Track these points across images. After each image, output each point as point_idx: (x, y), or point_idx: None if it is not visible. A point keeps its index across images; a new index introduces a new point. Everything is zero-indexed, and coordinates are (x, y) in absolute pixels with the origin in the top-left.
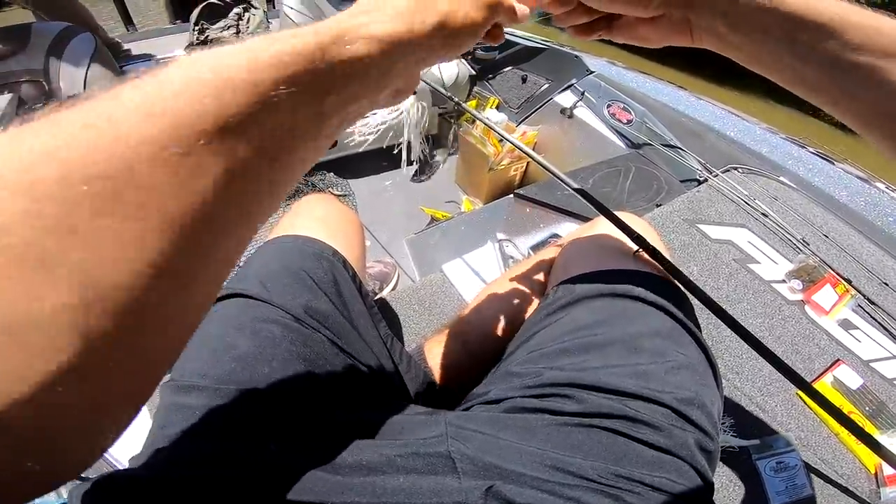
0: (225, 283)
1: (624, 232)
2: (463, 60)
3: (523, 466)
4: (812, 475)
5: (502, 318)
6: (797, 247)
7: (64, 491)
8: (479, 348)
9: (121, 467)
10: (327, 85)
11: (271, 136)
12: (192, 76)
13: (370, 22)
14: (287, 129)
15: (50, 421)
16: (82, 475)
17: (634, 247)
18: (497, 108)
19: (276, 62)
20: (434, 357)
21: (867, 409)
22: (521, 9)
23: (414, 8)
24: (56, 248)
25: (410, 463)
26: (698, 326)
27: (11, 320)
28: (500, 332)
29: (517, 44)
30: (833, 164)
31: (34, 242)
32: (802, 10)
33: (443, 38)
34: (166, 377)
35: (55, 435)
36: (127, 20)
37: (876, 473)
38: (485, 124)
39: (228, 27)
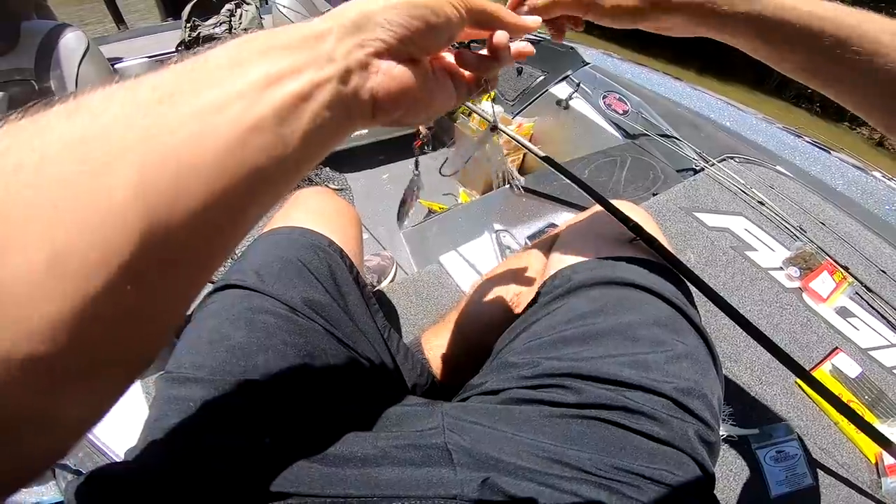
0: (220, 274)
1: (619, 220)
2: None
3: (520, 458)
4: (812, 465)
5: (500, 308)
6: (794, 234)
7: (62, 483)
8: (477, 339)
9: (117, 459)
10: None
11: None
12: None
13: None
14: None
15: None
16: (79, 469)
17: (631, 235)
18: (493, 100)
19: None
20: (431, 348)
21: (866, 397)
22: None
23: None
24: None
25: (406, 455)
26: (697, 314)
27: None
28: (497, 322)
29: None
30: (829, 153)
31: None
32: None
33: (405, 17)
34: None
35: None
36: (118, 18)
37: (876, 463)
38: (480, 116)
39: (220, 23)
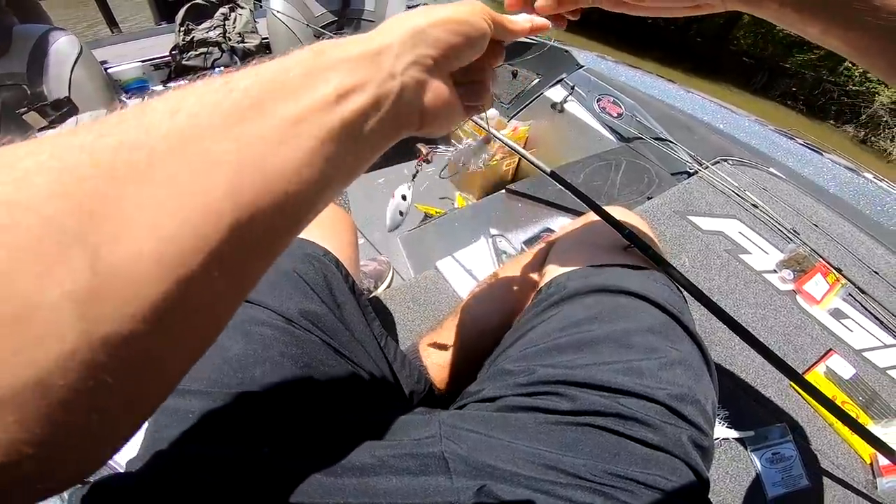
0: None
1: (614, 227)
2: None
3: (516, 465)
4: (808, 466)
5: (496, 314)
6: (787, 237)
7: (66, 493)
8: (474, 345)
9: (119, 470)
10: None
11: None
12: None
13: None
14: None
15: (49, 420)
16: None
17: (626, 242)
18: None
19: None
20: (428, 355)
21: (860, 398)
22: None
23: (404, 15)
24: (78, 225)
25: (403, 464)
26: (692, 320)
27: (27, 300)
28: (493, 328)
29: None
30: (822, 154)
31: (58, 219)
32: None
33: (442, 38)
34: None
35: (52, 434)
36: (111, 22)
37: (872, 464)
38: (474, 122)
39: (214, 27)
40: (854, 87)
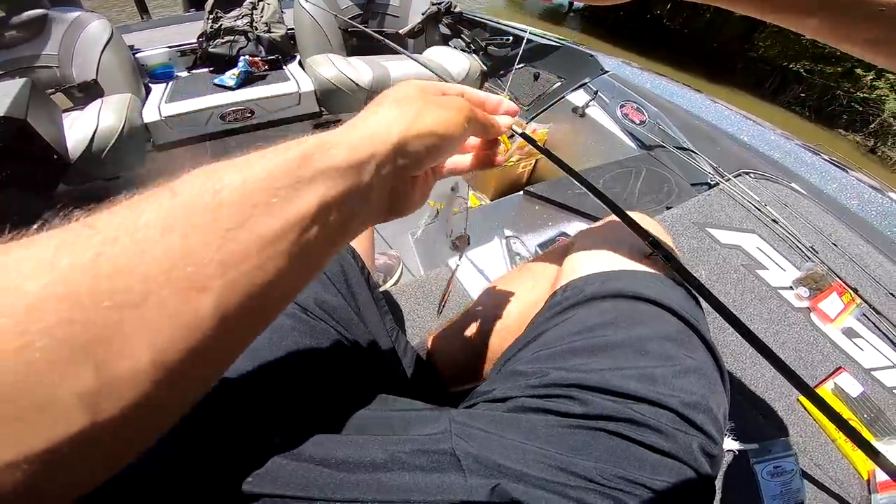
0: None
1: (638, 234)
2: (474, 56)
3: (526, 466)
4: (807, 480)
5: (508, 315)
6: (806, 254)
7: None
8: (484, 345)
9: None
10: (312, 189)
11: (266, 240)
12: (199, 192)
13: (349, 131)
14: (281, 231)
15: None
16: None
17: (647, 248)
18: None
19: (270, 174)
20: (438, 352)
21: (865, 416)
22: (505, 119)
23: (391, 115)
24: (81, 346)
25: (415, 460)
26: (708, 329)
27: (41, 399)
28: (505, 329)
29: (531, 41)
30: (846, 171)
31: (67, 340)
32: None
33: (421, 144)
34: None
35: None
36: (142, 9)
37: (868, 480)
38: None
39: (243, 16)
40: (863, 95)
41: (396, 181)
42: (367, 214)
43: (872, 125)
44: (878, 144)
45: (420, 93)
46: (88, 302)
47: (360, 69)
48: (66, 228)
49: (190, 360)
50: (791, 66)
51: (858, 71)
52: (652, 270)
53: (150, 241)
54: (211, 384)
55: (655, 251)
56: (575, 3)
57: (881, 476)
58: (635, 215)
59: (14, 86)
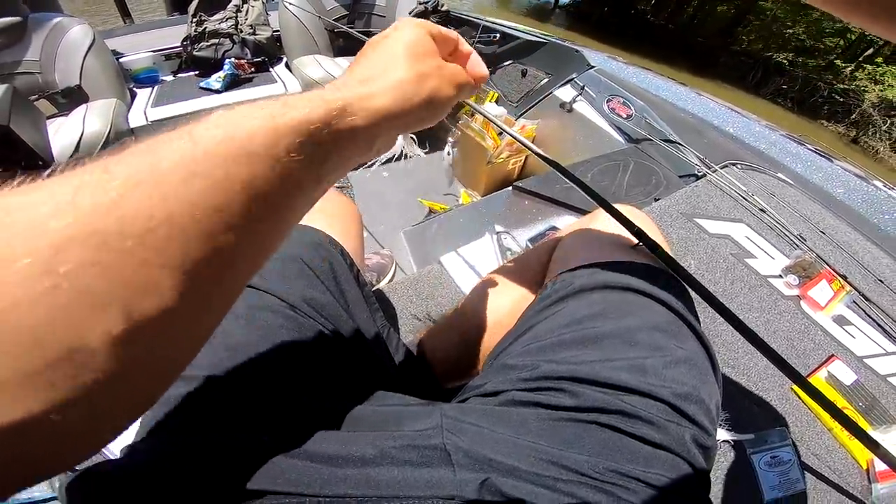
0: None
1: (624, 225)
2: None
3: (518, 460)
4: (805, 470)
5: (500, 309)
6: (794, 242)
7: (55, 481)
8: (476, 340)
9: (110, 456)
10: (330, 150)
11: (282, 197)
12: (223, 140)
13: (372, 94)
14: (293, 190)
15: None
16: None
17: (634, 240)
18: (496, 101)
19: (291, 130)
20: (431, 348)
21: (860, 404)
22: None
23: (410, 82)
24: (107, 289)
25: (405, 455)
26: (698, 320)
27: (70, 344)
28: (497, 324)
29: (517, 38)
30: (831, 161)
31: (94, 282)
32: None
33: (426, 111)
34: None
35: (66, 422)
36: (124, 12)
37: (868, 469)
38: (485, 117)
39: (227, 19)
40: (843, 86)
41: (394, 135)
42: (357, 163)
43: (854, 115)
44: (860, 134)
45: (431, 57)
46: (113, 243)
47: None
48: (83, 169)
49: (211, 294)
50: (774, 57)
51: (838, 62)
52: (640, 261)
53: (173, 185)
54: (224, 314)
55: (641, 242)
56: None
57: (880, 465)
58: (622, 208)
59: None
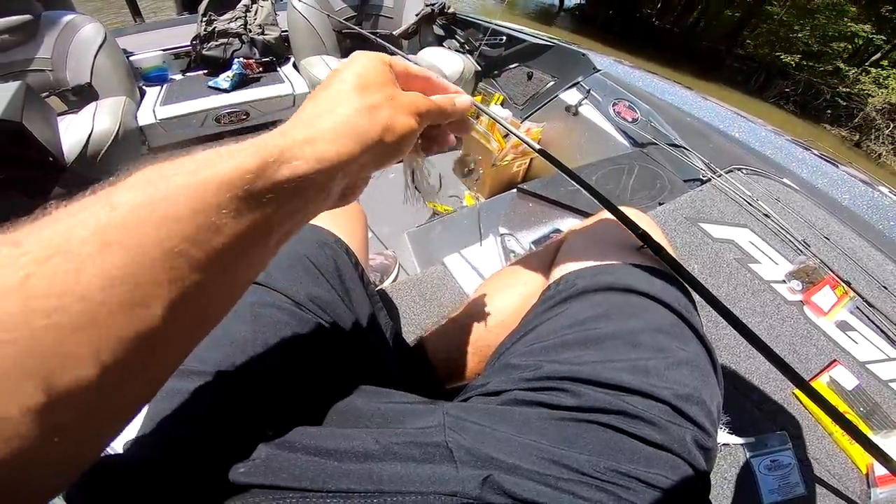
0: None
1: (628, 227)
2: (469, 56)
3: (520, 459)
4: (804, 474)
5: (503, 311)
6: (798, 248)
7: None
8: (479, 340)
9: (110, 451)
10: (272, 203)
11: (218, 260)
12: (141, 204)
13: (315, 137)
14: (231, 250)
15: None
16: None
17: (638, 242)
18: (502, 104)
19: (220, 186)
20: (433, 349)
21: (861, 409)
22: (462, 100)
23: (359, 117)
24: (21, 364)
25: (408, 451)
26: (700, 322)
27: None
28: (499, 324)
29: (524, 41)
30: (837, 166)
31: (7, 359)
32: None
33: (385, 146)
34: None
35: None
36: (135, 11)
37: (867, 474)
38: (492, 118)
39: (236, 18)
40: (846, 90)
41: (352, 182)
42: (315, 213)
43: (857, 119)
44: (863, 139)
45: (384, 87)
46: (21, 322)
47: None
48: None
49: (139, 366)
50: (781, 58)
51: (842, 66)
52: (644, 264)
53: (87, 259)
54: (162, 382)
55: (645, 245)
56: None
57: (880, 470)
58: (627, 210)
59: (8, 89)
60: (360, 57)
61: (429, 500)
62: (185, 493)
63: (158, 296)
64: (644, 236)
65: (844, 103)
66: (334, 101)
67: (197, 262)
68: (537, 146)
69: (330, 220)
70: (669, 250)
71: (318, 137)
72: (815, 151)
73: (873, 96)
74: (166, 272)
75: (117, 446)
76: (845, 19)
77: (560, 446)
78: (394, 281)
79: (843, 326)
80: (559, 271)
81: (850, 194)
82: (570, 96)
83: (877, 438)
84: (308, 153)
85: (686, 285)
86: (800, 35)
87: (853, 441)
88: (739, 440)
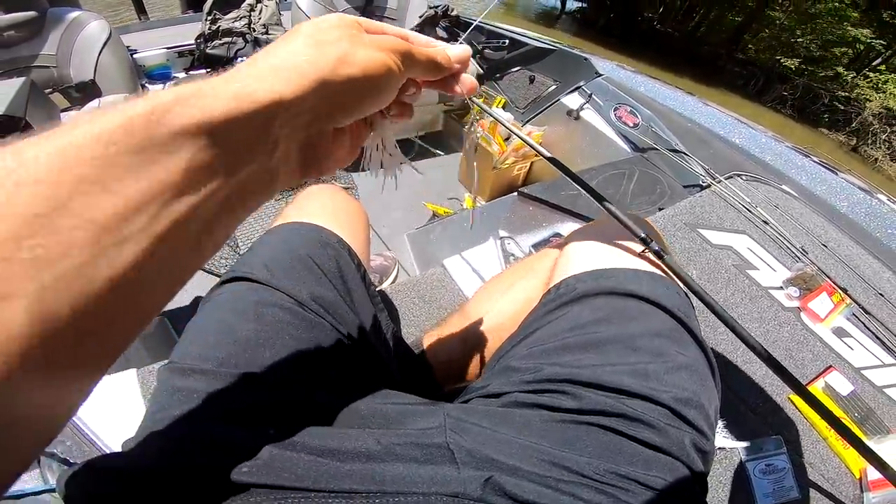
0: (230, 268)
1: (630, 231)
2: (471, 59)
3: (520, 461)
4: (799, 478)
5: (502, 313)
6: (796, 255)
7: (51, 477)
8: (479, 343)
9: (106, 448)
10: (175, 151)
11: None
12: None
13: (234, 77)
14: (135, 208)
15: None
16: (66, 458)
17: (638, 247)
18: (503, 107)
19: (97, 137)
20: (433, 349)
21: (856, 414)
22: (457, 50)
23: (299, 54)
24: None
25: (409, 452)
26: (698, 326)
27: None
28: (499, 327)
29: (526, 44)
30: (836, 174)
31: None
32: None
33: (337, 88)
34: (165, 361)
35: None
36: (140, 9)
37: (860, 478)
38: (497, 120)
39: (241, 18)
40: (844, 94)
41: (312, 136)
42: (270, 179)
43: (854, 124)
44: (860, 143)
45: (344, 28)
46: None
47: None
48: None
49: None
50: (781, 62)
51: (841, 70)
52: (644, 268)
53: None
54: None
55: (647, 249)
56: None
57: (873, 474)
58: (627, 215)
59: (13, 84)
60: (315, 19)
61: (430, 500)
62: (187, 493)
63: (24, 279)
64: (646, 241)
65: (842, 107)
66: (282, 42)
67: (73, 233)
68: (548, 153)
69: (331, 220)
70: (670, 254)
71: (245, 74)
72: (815, 158)
73: (871, 101)
74: (31, 247)
75: (116, 445)
76: (846, 24)
77: (560, 448)
78: (393, 282)
79: (840, 333)
80: (560, 275)
81: (849, 201)
82: (572, 100)
83: (871, 443)
84: (225, 91)
85: (686, 291)
86: (801, 40)
87: (847, 446)
88: (735, 444)
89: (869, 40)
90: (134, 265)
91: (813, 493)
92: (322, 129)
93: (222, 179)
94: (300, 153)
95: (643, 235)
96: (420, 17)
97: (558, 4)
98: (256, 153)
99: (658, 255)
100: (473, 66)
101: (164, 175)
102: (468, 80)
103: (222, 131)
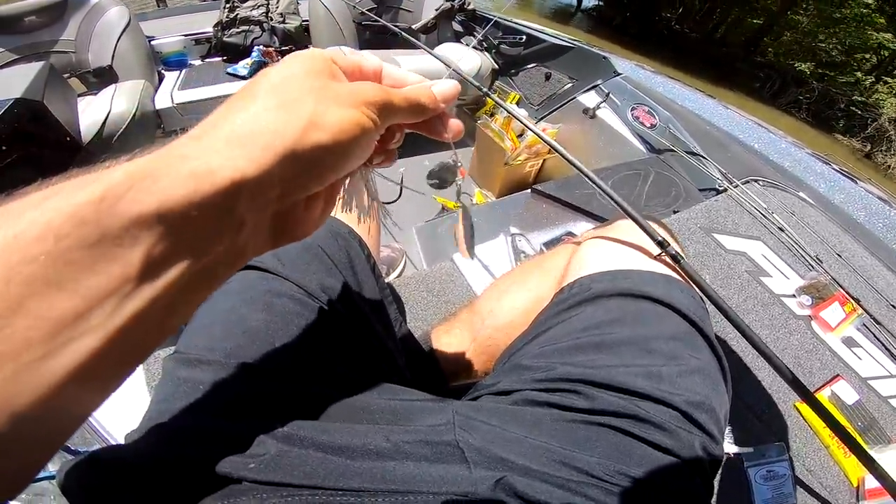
0: None
1: (647, 234)
2: (486, 53)
3: (531, 460)
4: (798, 485)
5: (514, 311)
6: (810, 264)
7: (51, 466)
8: (487, 339)
9: (109, 437)
10: (132, 243)
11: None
12: None
13: (188, 155)
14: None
15: None
16: (73, 449)
17: (655, 249)
18: (517, 103)
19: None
20: (441, 344)
21: (860, 424)
22: (443, 87)
23: (262, 121)
24: None
25: (419, 450)
26: (712, 330)
27: None
28: (510, 324)
29: (543, 41)
30: (855, 182)
31: None
32: None
33: (308, 155)
34: (170, 349)
35: None
36: None
37: (857, 487)
38: (514, 116)
39: (259, 6)
40: (861, 99)
41: (283, 208)
42: (238, 255)
43: (869, 129)
44: (874, 150)
45: (312, 78)
46: None
47: None
48: None
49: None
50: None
51: (859, 75)
52: (659, 271)
53: None
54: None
55: (664, 252)
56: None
57: (870, 483)
58: (645, 217)
59: (32, 68)
60: (297, 54)
61: (440, 500)
62: (190, 486)
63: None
64: (663, 244)
65: (859, 113)
66: (241, 102)
67: (28, 332)
68: (567, 153)
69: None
70: (686, 257)
71: (204, 148)
72: (835, 166)
73: (888, 107)
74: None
75: (118, 432)
76: (869, 30)
77: (571, 448)
78: (399, 275)
79: (849, 342)
80: (574, 274)
81: (867, 211)
82: (589, 99)
83: (871, 453)
84: (181, 171)
85: (700, 294)
86: (823, 44)
87: (848, 454)
88: (738, 449)
89: (893, 45)
90: (93, 355)
91: (810, 500)
92: (294, 199)
93: (185, 265)
94: (270, 225)
95: (661, 239)
96: (436, 9)
97: (574, 2)
98: (222, 234)
99: (675, 258)
100: (488, 60)
101: (121, 270)
102: (455, 123)
103: (181, 218)
